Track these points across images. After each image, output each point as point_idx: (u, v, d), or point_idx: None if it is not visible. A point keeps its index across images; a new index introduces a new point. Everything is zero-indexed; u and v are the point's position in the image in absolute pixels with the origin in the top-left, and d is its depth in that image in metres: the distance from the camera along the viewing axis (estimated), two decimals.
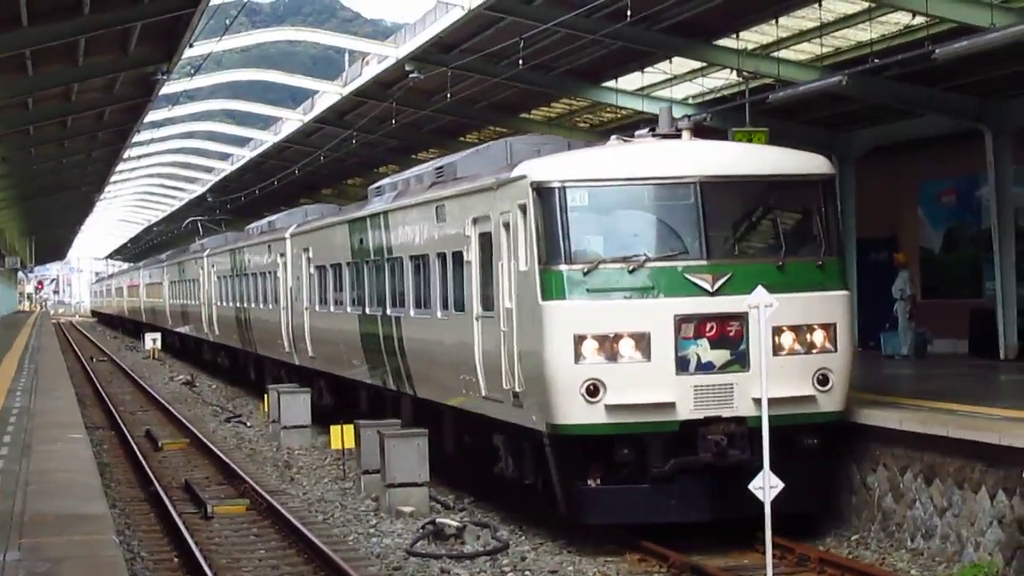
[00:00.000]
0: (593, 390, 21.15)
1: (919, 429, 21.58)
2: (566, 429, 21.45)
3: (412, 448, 26.48)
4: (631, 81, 42.54)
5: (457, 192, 26.22)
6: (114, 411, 45.77)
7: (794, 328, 21.81)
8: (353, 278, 34.42)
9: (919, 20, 30.74)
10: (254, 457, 35.41)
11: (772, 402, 19.93)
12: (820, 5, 31.83)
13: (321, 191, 78.13)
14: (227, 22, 41.10)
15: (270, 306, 45.47)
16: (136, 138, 62.14)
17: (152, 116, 58.34)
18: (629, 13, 30.11)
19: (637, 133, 24.61)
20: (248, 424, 43.02)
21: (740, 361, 21.48)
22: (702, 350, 21.35)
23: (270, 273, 45.56)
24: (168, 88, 48.56)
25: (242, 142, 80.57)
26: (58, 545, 17.25)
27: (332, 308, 36.92)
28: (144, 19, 31.04)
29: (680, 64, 39.61)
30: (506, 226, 23.09)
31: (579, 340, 21.24)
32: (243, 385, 55.88)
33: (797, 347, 21.94)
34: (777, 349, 21.61)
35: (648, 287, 21.43)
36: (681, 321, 21.34)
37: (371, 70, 48.68)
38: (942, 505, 21.15)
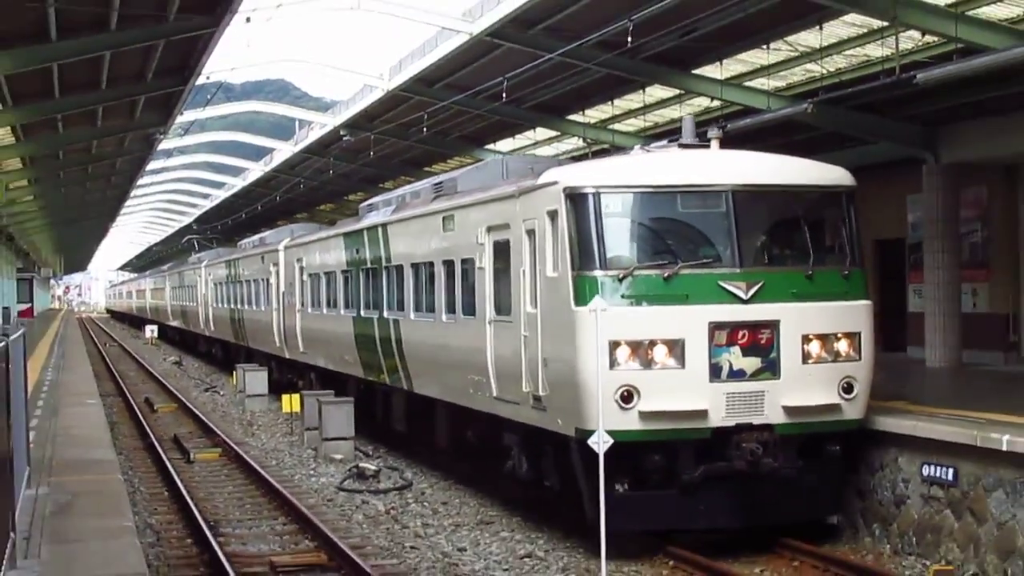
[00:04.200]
0: (627, 396, 16.36)
1: None
2: None
3: (343, 412, 26.35)
4: (505, 144, 42.66)
5: (471, 202, 20.83)
6: (121, 383, 45.21)
7: (821, 337, 17.18)
8: (347, 284, 29.12)
9: (716, 103, 30.98)
10: (225, 417, 35.09)
11: (800, 410, 16.95)
12: (644, 91, 31.96)
13: (277, 222, 77.64)
14: (208, 97, 40.83)
15: (263, 307, 40.99)
16: (140, 181, 61.60)
17: (152, 165, 57.82)
18: (504, 95, 30.21)
19: (655, 144, 20.06)
20: (221, 393, 42.62)
21: (771, 369, 16.86)
22: (734, 357, 16.71)
23: (263, 280, 40.91)
24: (164, 145, 48.09)
25: (219, 185, 79.99)
26: (77, 482, 17.06)
27: (325, 310, 31.48)
28: (147, 93, 30.97)
29: (542, 132, 39.74)
30: (530, 233, 18.03)
31: (614, 346, 16.35)
32: (217, 364, 55.40)
33: (824, 355, 17.20)
34: (805, 357, 17.07)
35: (683, 294, 16.66)
36: (715, 328, 16.64)
37: (315, 134, 48.46)
38: None
